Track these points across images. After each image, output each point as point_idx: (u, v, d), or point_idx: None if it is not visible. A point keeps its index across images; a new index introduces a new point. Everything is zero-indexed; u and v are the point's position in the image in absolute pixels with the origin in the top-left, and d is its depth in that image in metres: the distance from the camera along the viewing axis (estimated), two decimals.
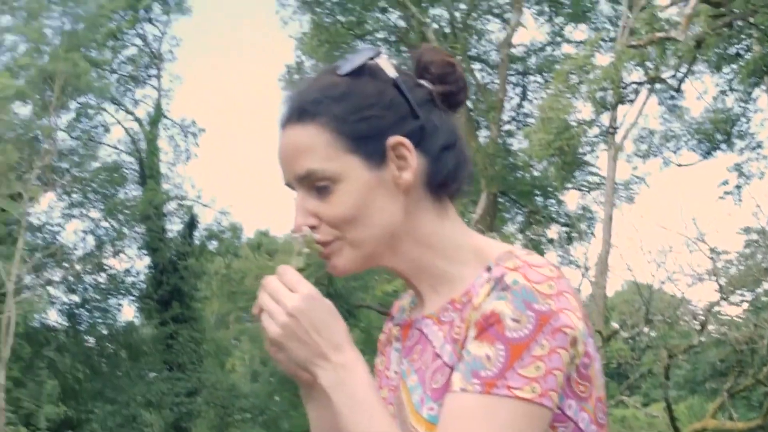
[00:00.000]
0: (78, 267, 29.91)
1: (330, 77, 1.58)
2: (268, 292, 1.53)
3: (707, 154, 23.14)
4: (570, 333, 1.39)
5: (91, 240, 35.17)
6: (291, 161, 1.57)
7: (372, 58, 1.58)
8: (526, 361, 1.37)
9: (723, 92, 22.12)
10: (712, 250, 18.63)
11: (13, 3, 30.96)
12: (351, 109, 1.54)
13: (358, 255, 1.58)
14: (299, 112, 1.56)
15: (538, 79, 28.55)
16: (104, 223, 35.33)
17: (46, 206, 33.00)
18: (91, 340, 35.61)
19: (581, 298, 1.48)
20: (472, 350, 1.41)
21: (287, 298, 1.50)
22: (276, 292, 1.52)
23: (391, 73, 1.57)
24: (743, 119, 23.02)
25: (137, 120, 36.24)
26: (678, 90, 20.82)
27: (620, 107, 20.30)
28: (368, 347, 36.86)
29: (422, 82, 1.61)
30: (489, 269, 1.48)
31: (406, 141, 1.53)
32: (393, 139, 1.53)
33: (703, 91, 23.58)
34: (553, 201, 27.80)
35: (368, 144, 1.53)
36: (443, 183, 1.59)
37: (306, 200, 1.57)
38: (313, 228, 1.56)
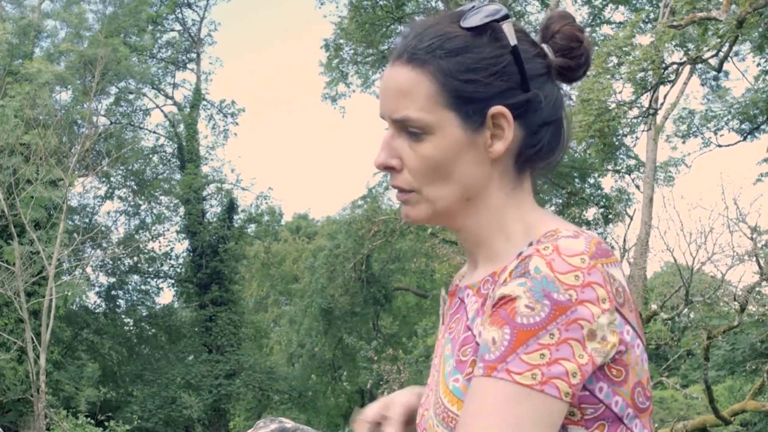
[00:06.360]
0: (117, 250, 30.11)
1: (451, 26, 1.54)
2: None
3: (748, 134, 23.00)
4: (586, 326, 1.35)
5: (130, 223, 35.61)
6: (390, 99, 1.54)
7: (498, 21, 1.52)
8: (531, 347, 1.33)
9: (765, 72, 21.91)
10: (753, 231, 18.46)
11: None
12: (462, 67, 1.50)
13: (430, 210, 1.57)
14: (410, 55, 1.53)
15: None
16: (144, 207, 35.73)
17: (82, 189, 33.42)
18: (130, 323, 35.97)
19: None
20: (484, 334, 1.40)
21: None
22: None
23: (513, 40, 1.51)
24: None
25: (176, 104, 36.56)
26: (719, 70, 20.64)
27: (661, 88, 20.14)
28: (403, 330, 37.02)
29: (544, 47, 1.57)
30: (531, 245, 1.45)
31: (507, 113, 1.50)
32: (495, 108, 1.50)
33: (744, 70, 23.42)
34: (591, 182, 27.77)
35: (470, 106, 1.50)
36: (531, 158, 1.56)
37: (395, 139, 1.55)
38: (392, 169, 1.56)
